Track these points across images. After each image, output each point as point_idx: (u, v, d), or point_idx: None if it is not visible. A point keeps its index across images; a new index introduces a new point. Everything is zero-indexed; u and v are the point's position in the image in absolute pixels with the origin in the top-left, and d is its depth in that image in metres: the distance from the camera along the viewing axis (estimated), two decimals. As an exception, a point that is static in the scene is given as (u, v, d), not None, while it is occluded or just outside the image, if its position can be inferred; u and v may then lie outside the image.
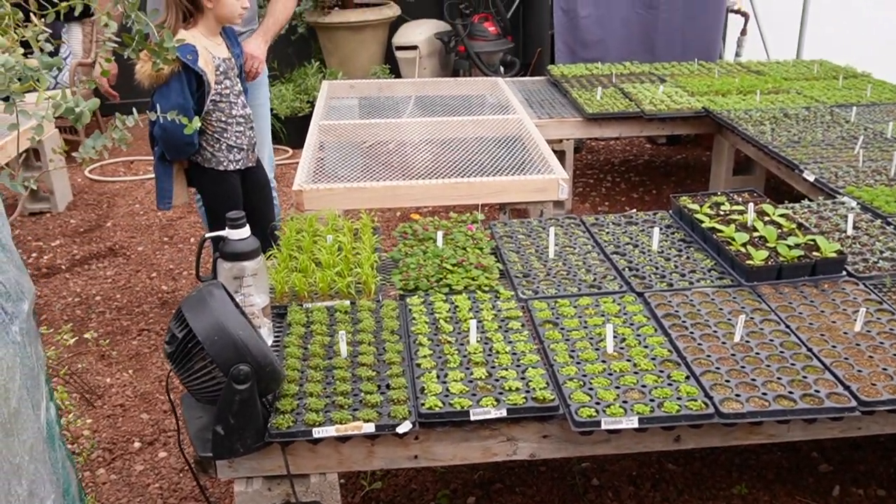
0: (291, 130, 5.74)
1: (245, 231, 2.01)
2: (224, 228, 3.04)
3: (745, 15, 6.09)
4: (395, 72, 6.38)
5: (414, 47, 6.15)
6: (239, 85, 2.99)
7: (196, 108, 2.81)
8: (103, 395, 3.08)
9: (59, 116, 1.79)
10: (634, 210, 3.18)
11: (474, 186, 3.36)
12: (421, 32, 6.20)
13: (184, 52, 2.62)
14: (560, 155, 4.32)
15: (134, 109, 2.20)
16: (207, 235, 2.02)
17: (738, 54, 6.14)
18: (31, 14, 2.17)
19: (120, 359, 3.32)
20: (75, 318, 3.63)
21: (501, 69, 6.18)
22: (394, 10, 6.18)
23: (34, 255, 4.29)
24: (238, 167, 3.01)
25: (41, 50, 1.99)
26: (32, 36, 1.55)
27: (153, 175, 3.07)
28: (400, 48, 6.23)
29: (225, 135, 2.91)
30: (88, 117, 1.66)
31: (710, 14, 5.84)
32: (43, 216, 4.83)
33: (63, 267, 4.14)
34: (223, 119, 2.90)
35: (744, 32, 6.10)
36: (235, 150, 2.97)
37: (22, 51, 1.51)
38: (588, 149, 5.60)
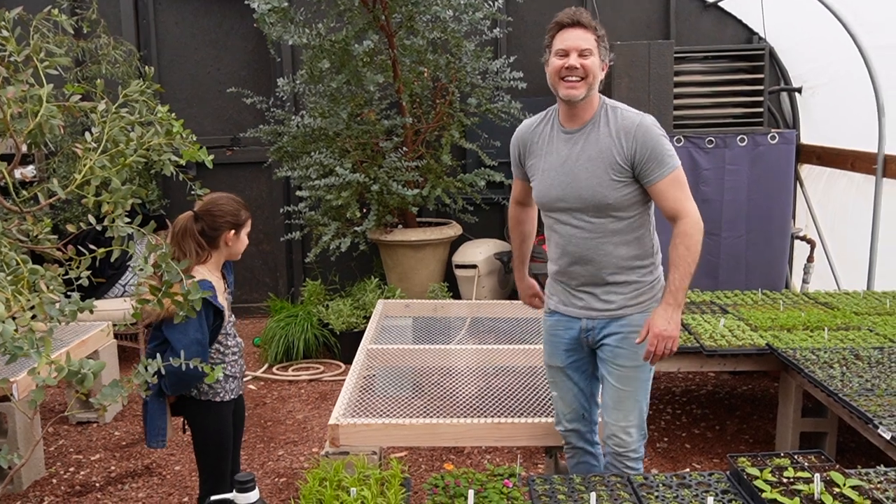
0: (346, 345, 5.72)
1: (254, 495, 1.87)
2: (216, 462, 2.95)
3: (811, 242, 5.99)
4: (454, 289, 6.40)
5: (473, 266, 6.18)
6: (233, 316, 3.03)
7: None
8: None
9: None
10: (688, 470, 2.94)
11: (518, 428, 3.20)
12: (481, 252, 6.26)
13: (205, 287, 2.64)
14: (615, 388, 4.13)
15: (158, 355, 2.16)
16: (214, 499, 1.90)
17: (805, 281, 5.98)
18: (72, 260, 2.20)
19: None
20: (98, 546, 3.47)
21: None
22: (455, 230, 6.29)
23: (71, 469, 4.21)
24: (232, 397, 2.99)
25: (67, 296, 1.99)
26: (40, 304, 1.52)
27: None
28: (459, 266, 6.28)
29: (222, 365, 2.89)
30: (92, 380, 1.61)
31: (775, 241, 5.76)
32: (89, 426, 4.79)
33: (97, 485, 4.02)
34: (221, 350, 2.93)
35: (810, 259, 5.98)
36: (231, 379, 2.96)
37: (30, 314, 1.48)
38: (648, 376, 5.38)
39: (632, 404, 2.85)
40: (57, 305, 1.84)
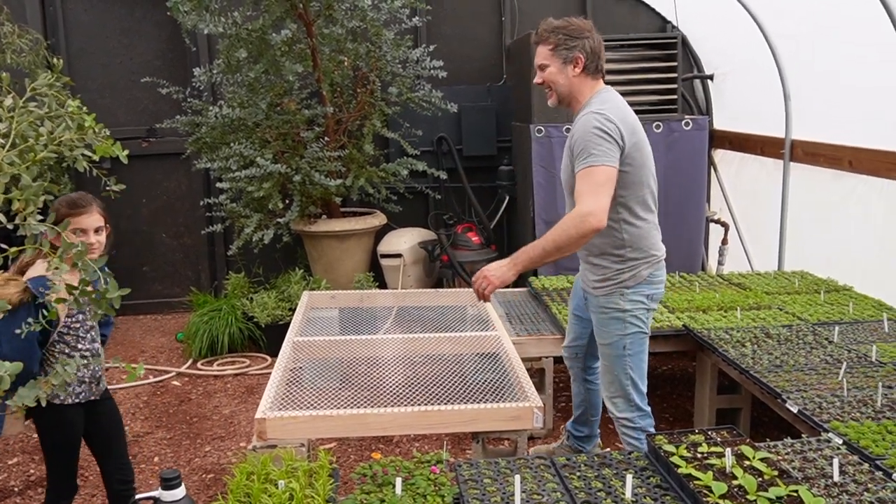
0: (271, 338, 5.67)
1: (180, 492, 1.86)
2: (57, 466, 2.91)
3: (724, 225, 6.21)
4: (380, 279, 6.40)
5: (398, 255, 6.20)
6: (89, 320, 2.92)
7: (41, 339, 2.75)
8: None
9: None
10: (609, 449, 3.03)
11: (445, 415, 3.23)
12: (405, 241, 6.28)
13: (36, 284, 2.61)
14: (540, 372, 4.23)
15: (76, 355, 2.12)
16: (139, 497, 1.88)
17: (720, 263, 6.21)
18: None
19: None
20: (18, 552, 3.38)
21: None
22: (379, 219, 6.30)
23: (-12, 475, 4.09)
24: (79, 400, 2.91)
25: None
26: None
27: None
28: (384, 256, 6.29)
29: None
30: (9, 382, 1.57)
31: (691, 225, 5.94)
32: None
33: (16, 489, 3.91)
34: (66, 352, 2.82)
35: (725, 242, 6.20)
36: (76, 383, 2.88)
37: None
38: (572, 358, 5.50)
39: (611, 377, 3.26)
40: (-33, 307, 1.79)
